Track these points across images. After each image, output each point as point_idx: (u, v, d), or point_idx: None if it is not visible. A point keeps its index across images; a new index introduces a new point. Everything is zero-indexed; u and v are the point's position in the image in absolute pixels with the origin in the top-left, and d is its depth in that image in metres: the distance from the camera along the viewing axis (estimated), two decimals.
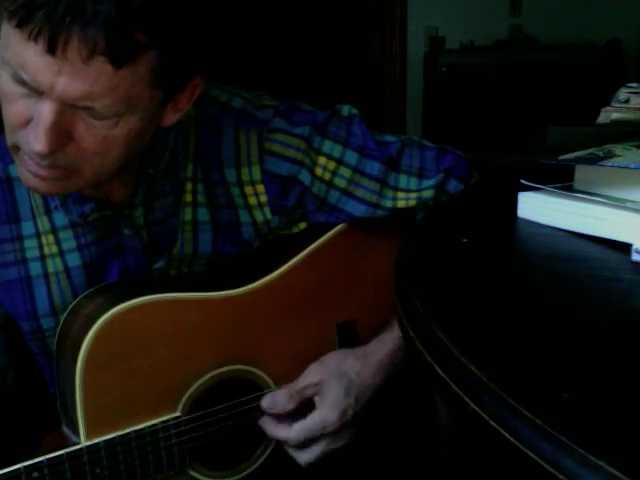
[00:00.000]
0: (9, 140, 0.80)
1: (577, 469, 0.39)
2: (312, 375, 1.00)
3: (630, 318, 0.57)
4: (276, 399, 0.99)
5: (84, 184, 0.83)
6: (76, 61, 0.70)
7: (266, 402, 0.99)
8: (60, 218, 0.93)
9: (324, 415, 0.97)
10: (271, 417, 1.00)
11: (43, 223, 0.94)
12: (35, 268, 0.94)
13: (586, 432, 0.41)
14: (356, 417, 0.98)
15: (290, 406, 0.99)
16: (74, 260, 0.95)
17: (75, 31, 0.69)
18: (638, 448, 0.40)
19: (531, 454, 0.41)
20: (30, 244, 0.94)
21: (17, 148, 0.79)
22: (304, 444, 0.98)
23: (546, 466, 0.41)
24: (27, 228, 0.93)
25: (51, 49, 0.70)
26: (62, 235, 0.94)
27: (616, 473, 0.38)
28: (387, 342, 1.01)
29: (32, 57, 0.71)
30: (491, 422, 0.45)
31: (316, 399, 0.99)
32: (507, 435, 0.43)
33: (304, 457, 0.99)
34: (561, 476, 0.40)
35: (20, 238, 0.93)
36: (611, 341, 0.53)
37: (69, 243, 0.94)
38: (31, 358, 0.99)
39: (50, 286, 0.95)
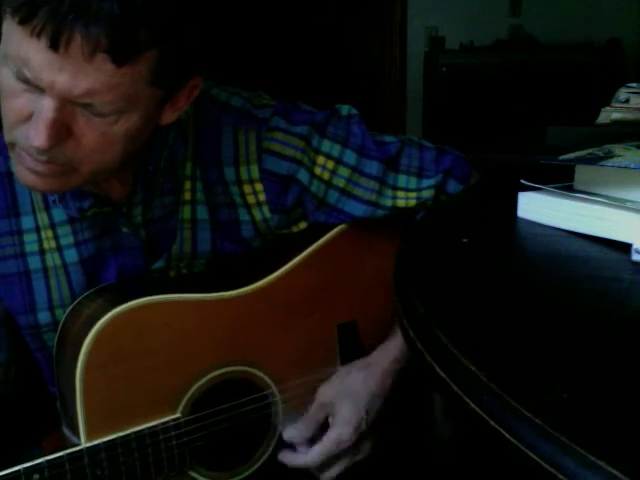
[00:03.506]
0: (7, 137, 0.80)
1: (577, 469, 0.39)
2: (321, 397, 1.01)
3: (630, 318, 0.57)
4: (296, 430, 1.01)
5: (81, 181, 0.83)
6: (78, 58, 0.71)
7: (288, 435, 1.01)
8: (59, 213, 0.94)
9: (339, 432, 0.98)
10: (288, 449, 1.02)
11: (42, 218, 0.94)
12: (34, 262, 0.94)
13: (586, 432, 0.41)
14: (370, 428, 0.98)
15: (309, 433, 1.01)
16: (71, 256, 0.95)
17: (78, 28, 0.69)
18: (638, 448, 0.40)
19: (531, 454, 0.41)
20: (29, 238, 0.94)
21: (14, 145, 0.80)
22: (326, 464, 1.00)
23: (546, 466, 0.40)
24: (27, 222, 0.94)
25: (54, 46, 0.70)
26: (60, 230, 0.94)
27: (616, 473, 0.38)
28: (391, 350, 1.01)
29: (34, 54, 0.71)
30: (491, 422, 0.45)
31: (329, 419, 1.00)
32: (507, 435, 0.43)
33: (327, 475, 1.01)
34: (561, 476, 0.40)
35: (20, 232, 0.93)
36: (611, 341, 0.53)
37: (67, 239, 0.94)
38: (30, 357, 0.99)
39: (49, 280, 0.95)
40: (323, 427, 1.01)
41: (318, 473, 1.01)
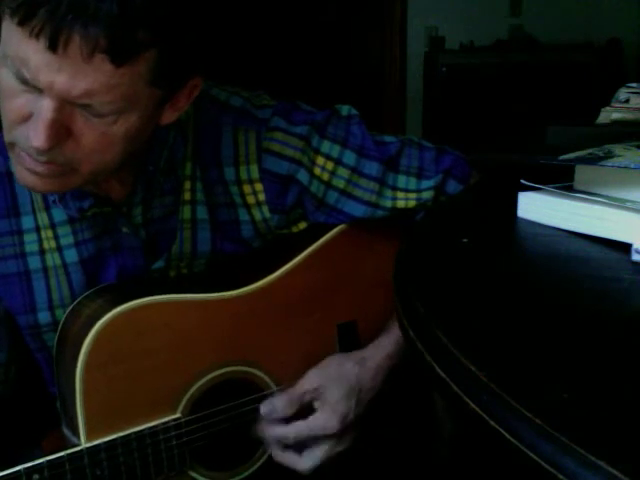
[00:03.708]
0: (6, 137, 0.80)
1: (577, 469, 0.39)
2: (311, 380, 0.99)
3: (630, 318, 0.57)
4: (275, 405, 0.98)
5: (81, 182, 0.83)
6: (77, 59, 0.71)
7: (265, 408, 0.98)
8: (59, 213, 0.94)
9: (325, 418, 0.97)
10: (267, 423, 0.99)
11: (42, 218, 0.94)
12: (34, 262, 0.94)
13: (586, 432, 0.41)
14: (357, 420, 0.98)
15: (289, 411, 0.98)
16: (71, 256, 0.95)
17: (77, 29, 0.69)
18: (638, 448, 0.40)
19: (531, 454, 0.41)
20: (30, 238, 0.94)
21: (13, 145, 0.80)
22: (303, 447, 0.98)
23: (546, 466, 0.40)
24: (27, 222, 0.93)
25: (52, 47, 0.70)
26: (60, 230, 0.94)
27: (616, 473, 0.38)
28: (385, 345, 1.01)
29: (33, 54, 0.71)
30: (491, 422, 0.45)
31: (316, 403, 0.98)
32: (507, 435, 0.43)
33: (306, 463, 0.98)
34: (561, 476, 0.40)
35: (20, 232, 0.93)
36: (611, 341, 0.53)
37: (67, 239, 0.94)
38: (30, 357, 0.99)
39: (49, 280, 0.95)
40: (308, 411, 0.99)
41: (296, 460, 0.98)
